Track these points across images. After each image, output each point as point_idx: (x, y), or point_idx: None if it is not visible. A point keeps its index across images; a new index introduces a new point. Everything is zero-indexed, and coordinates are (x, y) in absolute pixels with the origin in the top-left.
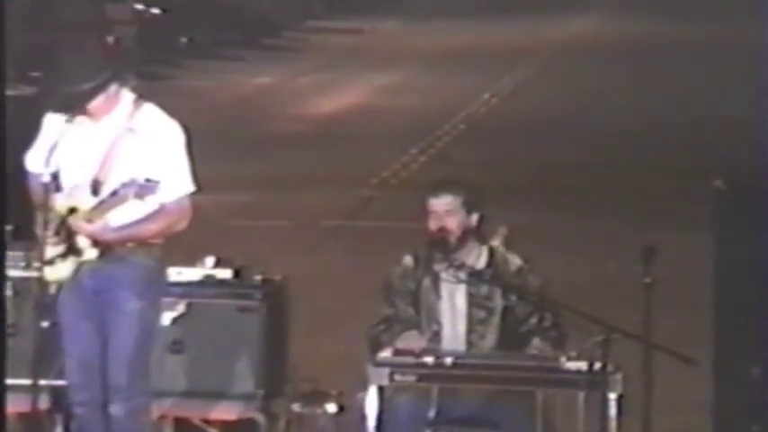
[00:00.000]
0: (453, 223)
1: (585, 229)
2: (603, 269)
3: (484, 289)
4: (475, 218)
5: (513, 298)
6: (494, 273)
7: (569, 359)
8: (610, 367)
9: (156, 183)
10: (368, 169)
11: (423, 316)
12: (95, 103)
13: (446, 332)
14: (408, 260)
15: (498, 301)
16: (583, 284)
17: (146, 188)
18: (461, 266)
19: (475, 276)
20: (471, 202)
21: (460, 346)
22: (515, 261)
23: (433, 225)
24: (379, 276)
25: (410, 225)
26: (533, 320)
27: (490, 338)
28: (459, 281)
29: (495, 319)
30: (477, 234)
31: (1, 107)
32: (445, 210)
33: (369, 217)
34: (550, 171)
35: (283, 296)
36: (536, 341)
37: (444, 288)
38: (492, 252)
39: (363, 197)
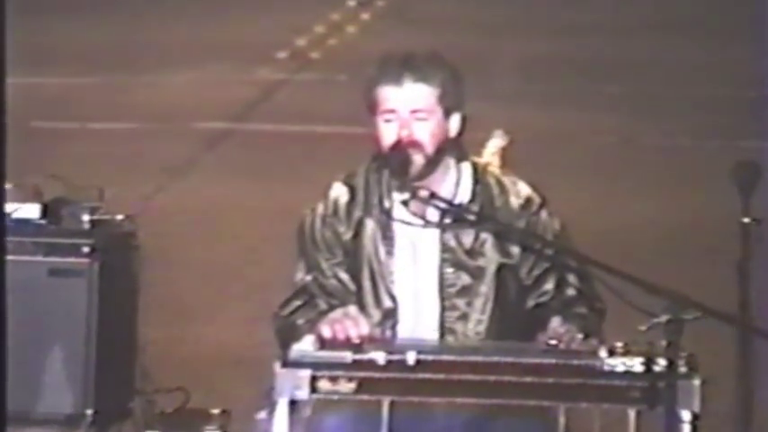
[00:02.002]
0: (425, 131)
1: (635, 134)
2: (667, 202)
3: (467, 237)
4: (455, 121)
5: (516, 250)
6: (483, 208)
7: (612, 353)
8: (681, 367)
9: None
10: (272, 34)
11: (365, 284)
12: None
13: (405, 310)
14: (339, 191)
15: (491, 256)
16: (632, 227)
17: None
18: (430, 198)
19: (452, 214)
20: (451, 94)
21: (430, 332)
22: (520, 189)
23: (388, 134)
24: (292, 216)
25: (344, 130)
26: (548, 286)
27: (478, 319)
28: (427, 224)
29: (486, 287)
30: (457, 146)
31: (1, 105)
32: (412, 109)
33: (274, 116)
34: (575, 37)
35: (129, 248)
36: (556, 322)
37: (401, 236)
38: (479, 174)
39: (265, 82)
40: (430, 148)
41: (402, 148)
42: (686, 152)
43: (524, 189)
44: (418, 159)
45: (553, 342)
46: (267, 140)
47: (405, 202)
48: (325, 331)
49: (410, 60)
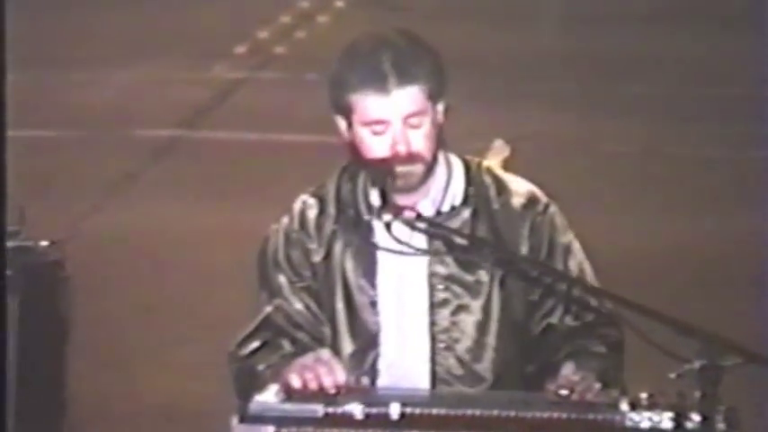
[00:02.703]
0: (421, 138)
1: (661, 143)
2: (700, 224)
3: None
4: (440, 112)
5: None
6: (478, 212)
7: (635, 406)
8: (719, 423)
9: None
10: (229, 25)
11: (338, 308)
12: None
13: (387, 338)
14: (306, 203)
15: (491, 271)
16: (658, 254)
17: None
18: (417, 220)
19: (444, 230)
20: (437, 83)
21: (418, 364)
22: (521, 187)
23: (379, 147)
24: (252, 242)
25: (315, 138)
26: (549, 304)
27: (477, 344)
28: (416, 252)
29: (485, 306)
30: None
31: (1, 106)
32: (406, 114)
33: (230, 122)
34: (588, 28)
35: (55, 280)
36: (568, 369)
37: (384, 262)
38: (473, 173)
39: (220, 81)
40: (428, 154)
41: (387, 161)
42: (722, 164)
43: (526, 186)
44: (418, 169)
45: (565, 392)
46: (222, 151)
47: (388, 225)
48: (294, 380)
49: (389, 57)
